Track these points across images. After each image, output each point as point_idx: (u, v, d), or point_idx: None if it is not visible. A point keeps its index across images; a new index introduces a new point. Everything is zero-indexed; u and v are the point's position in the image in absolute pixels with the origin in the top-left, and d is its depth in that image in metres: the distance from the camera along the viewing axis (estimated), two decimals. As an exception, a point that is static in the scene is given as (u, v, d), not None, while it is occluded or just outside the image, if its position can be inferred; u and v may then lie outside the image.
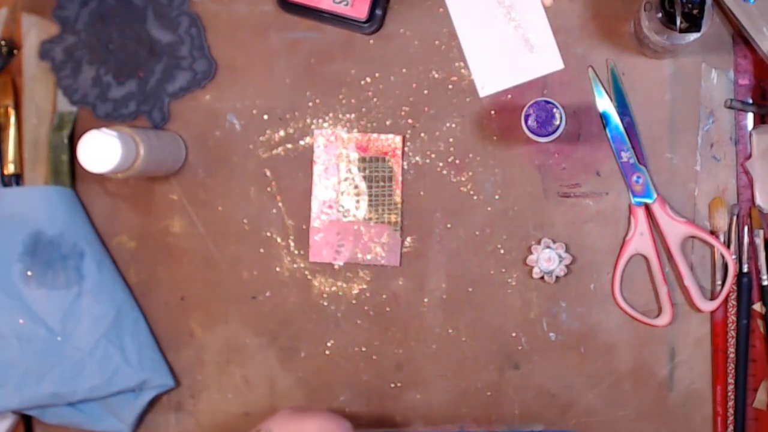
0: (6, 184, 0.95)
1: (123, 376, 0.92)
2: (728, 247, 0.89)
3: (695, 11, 0.77)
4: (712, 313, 0.90)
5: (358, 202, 0.93)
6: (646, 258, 0.90)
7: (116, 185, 0.95)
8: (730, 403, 0.90)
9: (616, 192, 0.91)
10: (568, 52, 0.90)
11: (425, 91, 0.92)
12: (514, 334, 0.92)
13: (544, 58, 0.90)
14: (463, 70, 0.92)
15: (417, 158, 0.92)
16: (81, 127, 0.95)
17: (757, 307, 0.90)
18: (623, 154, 0.90)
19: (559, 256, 0.90)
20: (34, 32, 0.96)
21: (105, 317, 0.92)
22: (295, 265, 0.94)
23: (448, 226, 0.92)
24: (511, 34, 0.91)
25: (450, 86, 0.92)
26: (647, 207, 0.90)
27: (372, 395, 0.94)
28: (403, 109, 0.92)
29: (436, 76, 0.92)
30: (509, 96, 0.91)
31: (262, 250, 0.94)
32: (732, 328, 0.89)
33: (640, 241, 0.89)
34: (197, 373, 0.96)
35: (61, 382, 0.92)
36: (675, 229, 0.89)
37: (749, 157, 0.89)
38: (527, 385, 0.92)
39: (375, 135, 0.93)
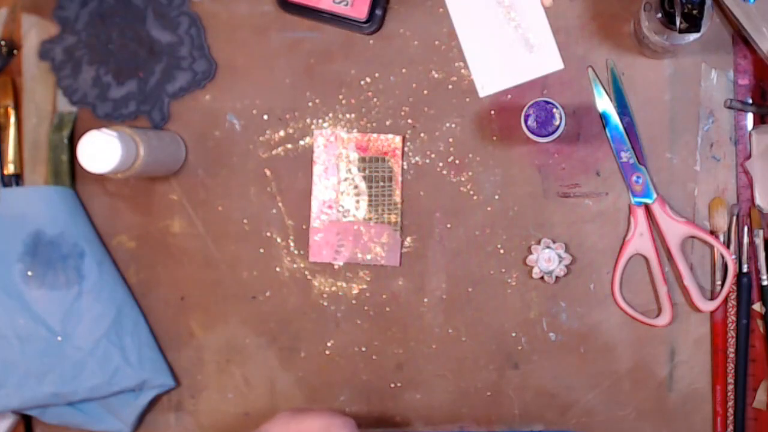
0: (6, 184, 0.95)
1: (123, 376, 0.92)
2: (728, 247, 0.89)
3: (695, 11, 0.77)
4: (712, 313, 0.90)
5: (358, 202, 0.93)
6: (645, 258, 0.90)
7: (116, 185, 0.95)
8: (730, 403, 0.90)
9: (616, 192, 0.91)
10: (568, 52, 0.90)
11: (425, 91, 0.92)
12: (514, 334, 0.92)
13: (544, 58, 0.90)
14: (463, 70, 0.92)
15: (417, 158, 0.92)
16: (81, 127, 0.95)
17: (757, 307, 0.90)
18: (623, 154, 0.90)
19: (559, 256, 0.90)
20: (34, 32, 0.96)
21: (105, 317, 0.92)
22: (295, 265, 0.94)
23: (448, 226, 0.92)
24: (511, 34, 0.91)
25: (450, 86, 0.92)
26: (647, 207, 0.90)
27: (372, 395, 0.94)
28: (403, 109, 0.92)
29: (436, 76, 0.92)
30: (509, 96, 0.91)
31: (262, 250, 0.94)
32: (732, 328, 0.89)
33: (640, 241, 0.90)
34: (197, 373, 0.96)
35: (61, 381, 0.92)
36: (675, 229, 0.89)
37: (749, 157, 0.89)
38: (527, 385, 0.92)
39: (375, 135, 0.93)
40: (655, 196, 0.89)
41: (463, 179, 0.92)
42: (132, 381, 0.92)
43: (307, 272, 0.94)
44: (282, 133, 0.94)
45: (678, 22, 0.77)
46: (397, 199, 0.92)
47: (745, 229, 0.89)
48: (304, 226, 0.94)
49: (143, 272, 0.96)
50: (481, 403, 0.93)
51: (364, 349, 0.94)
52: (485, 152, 0.92)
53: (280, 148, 0.94)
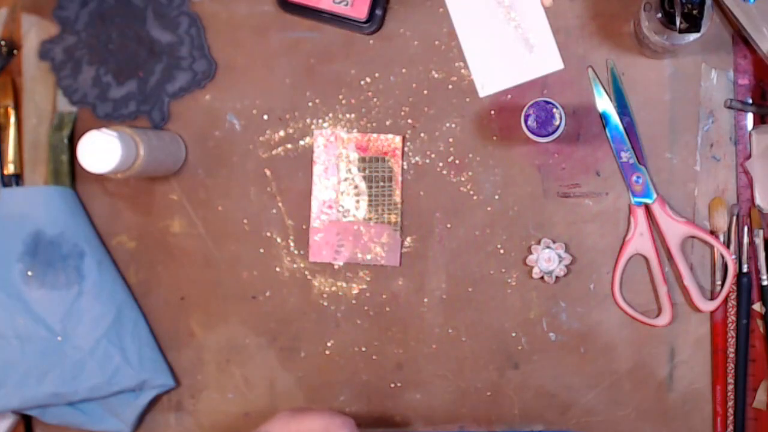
0: (6, 184, 0.95)
1: (123, 376, 0.92)
2: (728, 247, 0.89)
3: (695, 11, 0.77)
4: (712, 313, 0.90)
5: (358, 202, 0.93)
6: (646, 258, 0.90)
7: (116, 185, 0.95)
8: (730, 403, 0.90)
9: (616, 192, 0.91)
10: (568, 52, 0.90)
11: (425, 91, 0.92)
12: (514, 334, 0.92)
13: (544, 58, 0.90)
14: (463, 70, 0.92)
15: (417, 158, 0.92)
16: (81, 127, 0.95)
17: (757, 307, 0.90)
18: (623, 154, 0.90)
19: (559, 256, 0.90)
20: (34, 32, 0.96)
21: (105, 317, 0.92)
22: (295, 265, 0.94)
23: (448, 226, 0.92)
24: (511, 34, 0.91)
25: (450, 86, 0.92)
26: (647, 207, 0.90)
27: (372, 395, 0.94)
28: (403, 109, 0.92)
29: (436, 76, 0.92)
30: (509, 96, 0.91)
31: (262, 250, 0.94)
32: (732, 328, 0.89)
33: (640, 241, 0.90)
34: (197, 373, 0.96)
35: (61, 381, 0.92)
36: (675, 229, 0.89)
37: (749, 157, 0.89)
38: (527, 385, 0.92)
39: (375, 135, 0.93)
40: (655, 196, 0.89)
41: (463, 179, 0.92)
42: (132, 381, 0.92)
43: (307, 272, 0.94)
44: (282, 133, 0.94)
45: (678, 22, 0.77)
46: (397, 199, 0.92)
47: (745, 229, 0.89)
48: (304, 226, 0.94)
49: (143, 272, 0.96)
50: (481, 403, 0.93)
51: (364, 349, 0.94)
52: (485, 152, 0.92)
53: (280, 148, 0.94)
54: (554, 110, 0.84)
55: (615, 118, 0.90)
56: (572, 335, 0.92)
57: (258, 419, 0.94)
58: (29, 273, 0.92)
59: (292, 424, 0.78)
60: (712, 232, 0.89)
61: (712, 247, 0.90)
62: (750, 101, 0.89)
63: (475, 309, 0.92)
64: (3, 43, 0.96)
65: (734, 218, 0.89)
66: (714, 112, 0.89)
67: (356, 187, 0.93)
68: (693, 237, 0.90)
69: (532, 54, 0.91)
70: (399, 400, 0.94)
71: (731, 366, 0.89)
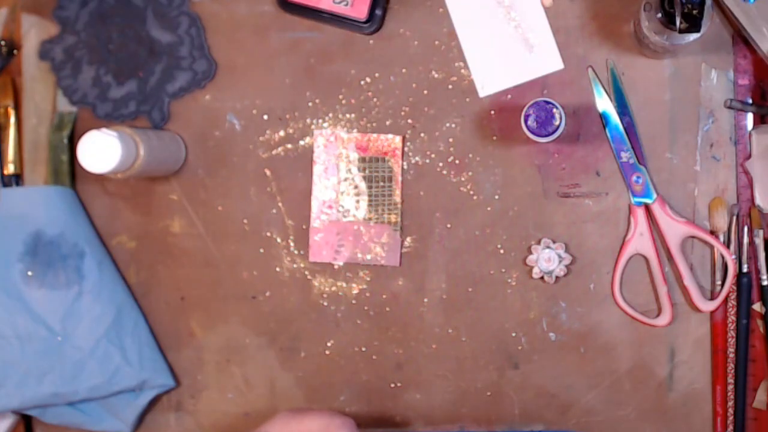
0: (6, 184, 0.95)
1: (123, 376, 0.92)
2: (728, 247, 0.89)
3: (695, 11, 0.77)
4: (712, 313, 0.90)
5: (358, 202, 0.93)
6: (645, 258, 0.90)
7: (116, 185, 0.95)
8: (730, 403, 0.90)
9: (616, 192, 0.91)
10: (568, 52, 0.90)
11: (425, 91, 0.92)
12: (514, 334, 0.92)
13: (544, 58, 0.90)
14: (463, 70, 0.92)
15: (417, 158, 0.92)
16: (81, 127, 0.95)
17: (757, 307, 0.90)
18: (623, 154, 0.90)
19: (559, 256, 0.90)
20: (34, 32, 0.96)
21: (105, 317, 0.92)
22: (295, 265, 0.94)
23: (448, 226, 0.92)
24: (511, 34, 0.91)
25: (450, 86, 0.92)
26: (647, 207, 0.90)
27: (372, 395, 0.94)
28: (403, 109, 0.92)
29: (436, 76, 0.92)
30: (509, 96, 0.91)
31: (262, 250, 0.94)
32: (732, 328, 0.89)
33: (640, 241, 0.90)
34: (197, 373, 0.96)
35: (61, 382, 0.92)
36: (675, 229, 0.89)
37: (749, 157, 0.89)
38: (527, 385, 0.92)
39: (375, 135, 0.93)
40: (655, 196, 0.89)
41: (463, 179, 0.92)
42: (132, 381, 0.92)
43: (307, 272, 0.94)
44: (282, 133, 0.94)
45: (678, 22, 0.77)
46: (397, 199, 0.92)
47: (745, 229, 0.89)
48: (304, 226, 0.94)
49: (143, 272, 0.96)
50: (481, 403, 0.93)
51: (364, 349, 0.94)
52: (485, 152, 0.92)
53: (280, 148, 0.94)
54: (554, 110, 0.84)
55: (615, 118, 0.90)
56: (572, 335, 0.92)
57: (258, 419, 0.94)
58: (29, 273, 0.92)
59: (292, 424, 0.78)
60: (712, 232, 0.89)
61: (712, 247, 0.90)
62: (750, 101, 0.89)
63: (475, 309, 0.92)
64: (3, 43, 0.96)
65: (734, 218, 0.89)
66: (714, 112, 0.89)
67: (356, 187, 0.93)
68: (693, 237, 0.90)
69: (532, 54, 0.91)
70: (399, 400, 0.94)
71: (731, 366, 0.89)
